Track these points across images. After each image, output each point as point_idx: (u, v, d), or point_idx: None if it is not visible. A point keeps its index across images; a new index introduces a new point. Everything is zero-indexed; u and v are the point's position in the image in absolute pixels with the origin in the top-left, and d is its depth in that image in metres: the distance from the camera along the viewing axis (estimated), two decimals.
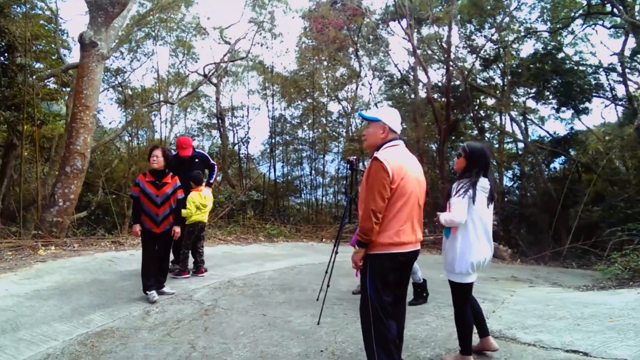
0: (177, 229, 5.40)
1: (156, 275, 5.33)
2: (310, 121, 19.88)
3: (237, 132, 19.48)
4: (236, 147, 18.93)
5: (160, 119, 17.99)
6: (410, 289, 5.23)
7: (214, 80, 17.73)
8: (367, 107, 20.03)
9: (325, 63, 19.30)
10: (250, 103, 23.85)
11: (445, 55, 15.66)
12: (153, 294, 5.18)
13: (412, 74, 17.20)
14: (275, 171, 17.91)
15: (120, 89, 18.34)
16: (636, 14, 12.65)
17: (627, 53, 15.15)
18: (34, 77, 10.14)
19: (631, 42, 15.06)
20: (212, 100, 20.11)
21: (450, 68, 16.05)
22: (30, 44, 9.54)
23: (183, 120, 22.01)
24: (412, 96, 17.15)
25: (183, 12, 17.50)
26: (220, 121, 17.96)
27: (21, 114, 9.41)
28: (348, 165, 5.13)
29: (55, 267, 6.51)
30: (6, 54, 9.49)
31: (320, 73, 18.88)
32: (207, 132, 21.45)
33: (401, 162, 2.97)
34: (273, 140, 18.86)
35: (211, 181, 6.74)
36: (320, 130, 19.61)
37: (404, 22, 16.15)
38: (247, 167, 19.13)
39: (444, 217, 3.42)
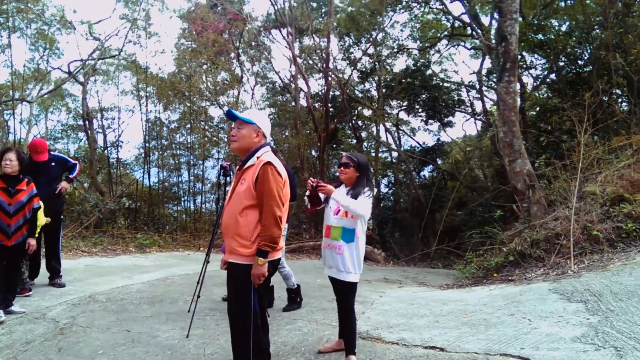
0: (33, 242, 4.83)
1: (3, 292, 4.68)
2: (189, 125, 19.16)
3: (107, 135, 18.11)
4: (106, 151, 17.56)
5: (16, 119, 16.14)
6: (284, 295, 5.25)
7: (81, 78, 16.29)
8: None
9: (205, 66, 18.78)
10: (123, 104, 22.37)
11: (325, 66, 16.09)
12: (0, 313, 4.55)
13: (293, 82, 17.41)
14: (150, 177, 16.91)
15: None
16: (491, 37, 14.08)
17: (484, 72, 16.84)
18: None
19: (487, 63, 16.81)
20: (78, 100, 18.46)
21: (329, 78, 16.55)
22: None
23: (44, 121, 20.02)
24: (293, 104, 17.35)
25: (44, 3, 15.89)
26: (87, 123, 16.52)
27: None
28: (222, 171, 4.96)
29: None
30: None
31: (200, 76, 18.30)
32: (73, 135, 19.62)
33: (283, 170, 2.97)
34: (148, 145, 17.83)
35: (71, 177, 6.14)
36: (200, 135, 19.01)
37: (285, 31, 16.32)
38: (118, 172, 17.85)
39: (349, 203, 3.46)
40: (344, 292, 3.63)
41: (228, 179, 4.88)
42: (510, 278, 6.31)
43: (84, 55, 16.60)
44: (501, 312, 4.61)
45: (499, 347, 3.62)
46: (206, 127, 19.53)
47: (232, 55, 18.32)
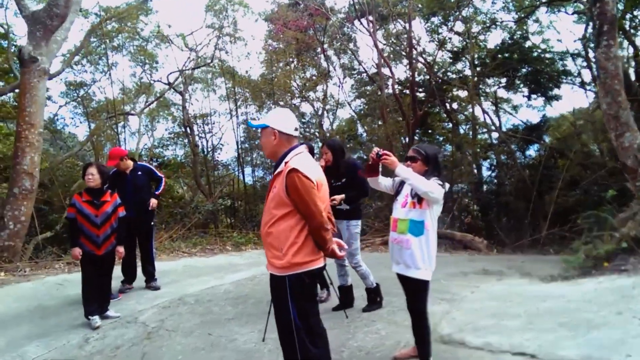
0: (121, 249, 5.15)
1: (98, 299, 5.05)
2: None
3: (208, 140, 19.13)
4: (208, 155, 18.55)
5: (127, 130, 17.65)
6: (363, 294, 5.06)
7: (180, 88, 17.37)
8: (340, 105, 19.94)
9: (293, 64, 19.08)
10: (222, 109, 23.41)
11: (408, 50, 15.48)
12: (96, 319, 4.90)
13: (378, 70, 17.02)
14: (244, 176, 17.62)
15: (83, 102, 18.01)
16: None
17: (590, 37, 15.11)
18: None
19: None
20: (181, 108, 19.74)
21: (414, 63, 15.91)
22: None
23: (154, 131, 21.63)
24: (379, 93, 16.97)
25: (143, 21, 17.14)
26: (188, 129, 17.59)
27: None
28: None
29: (0, 295, 6.19)
30: None
31: (289, 75, 18.63)
32: (181, 141, 21.04)
33: (315, 171, 2.80)
34: (246, 145, 18.58)
35: (157, 192, 6.46)
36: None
37: (366, 20, 15.99)
38: (217, 174, 18.80)
39: (414, 177, 3.23)
40: (414, 292, 3.38)
41: None
42: (622, 268, 5.53)
43: (180, 66, 17.62)
44: (607, 311, 4.03)
45: (600, 354, 3.16)
46: (299, 125, 19.89)
47: (318, 50, 18.38)
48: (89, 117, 17.74)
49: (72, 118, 21.20)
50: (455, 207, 16.24)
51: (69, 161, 15.15)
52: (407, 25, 16.45)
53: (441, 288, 5.81)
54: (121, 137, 18.27)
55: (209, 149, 18.92)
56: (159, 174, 6.53)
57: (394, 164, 3.28)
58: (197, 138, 18.48)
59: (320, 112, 19.42)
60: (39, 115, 8.30)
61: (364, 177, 3.61)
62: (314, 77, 19.16)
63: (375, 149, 3.40)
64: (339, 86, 19.31)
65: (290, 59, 18.47)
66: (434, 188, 3.21)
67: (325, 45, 18.07)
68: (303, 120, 20.40)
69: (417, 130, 16.83)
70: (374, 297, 4.97)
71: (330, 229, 2.73)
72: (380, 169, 3.52)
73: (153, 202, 6.25)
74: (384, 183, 3.60)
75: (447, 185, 3.40)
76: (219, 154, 19.01)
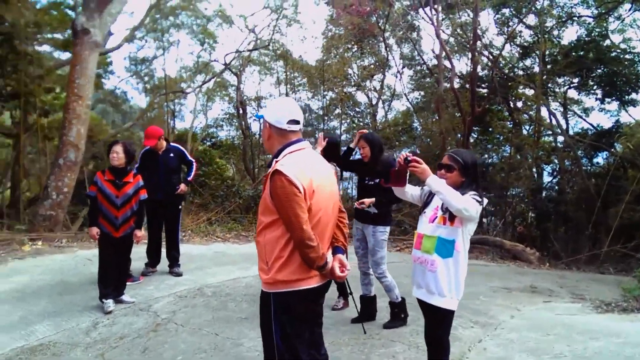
0: (139, 233, 4.99)
1: (115, 282, 4.93)
2: (337, 111, 19.24)
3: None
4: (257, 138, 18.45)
5: (185, 108, 17.88)
6: (386, 308, 4.62)
7: (236, 69, 17.33)
8: (397, 97, 19.28)
9: (352, 52, 18.56)
10: (277, 93, 23.21)
11: (472, 41, 14.56)
12: (109, 303, 4.79)
13: (438, 62, 16.21)
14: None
15: (144, 78, 18.44)
16: None
17: None
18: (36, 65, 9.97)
19: None
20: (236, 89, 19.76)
21: (477, 55, 14.95)
22: (27, 31, 9.34)
23: (211, 110, 21.94)
24: (437, 86, 16.16)
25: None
26: (241, 111, 17.55)
27: (21, 103, 9.28)
28: None
29: (30, 265, 6.28)
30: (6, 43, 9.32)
31: (347, 62, 18.15)
32: (234, 123, 21.15)
33: (308, 174, 2.37)
34: None
35: (189, 178, 6.28)
36: (348, 120, 19.00)
37: (430, 8, 15.18)
38: (265, 158, 18.69)
39: (448, 190, 2.76)
40: (435, 322, 2.94)
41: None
42: None
43: (238, 47, 17.57)
44: None
45: None
46: (353, 114, 19.45)
47: (379, 38, 17.76)
48: (149, 92, 18.12)
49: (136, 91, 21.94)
50: (509, 213, 15.32)
51: (127, 133, 15.52)
52: (473, 15, 15.52)
53: (478, 307, 5.29)
54: (177, 115, 18.75)
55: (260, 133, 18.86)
56: (190, 158, 6.35)
57: (425, 172, 2.80)
58: (249, 121, 18.47)
59: (374, 102, 18.84)
60: (87, 88, 8.37)
61: (388, 186, 3.11)
62: (371, 66, 18.58)
63: (404, 154, 2.93)
64: (397, 76, 18.63)
65: (349, 45, 17.94)
66: (470, 205, 2.75)
67: (387, 34, 17.42)
68: (357, 109, 19.92)
69: (475, 128, 15.95)
70: (398, 313, 4.53)
71: (318, 246, 2.32)
72: (407, 177, 3.02)
73: (182, 187, 6.07)
74: (410, 192, 3.15)
75: (485, 201, 2.92)
76: None
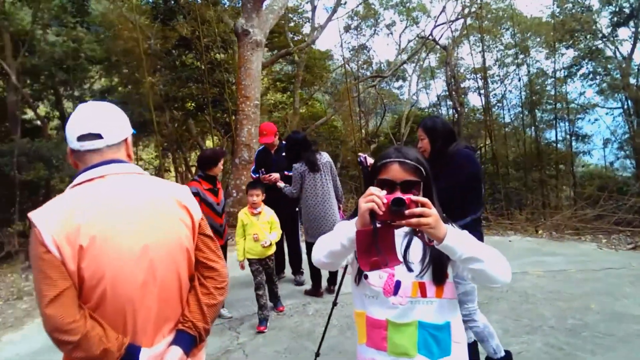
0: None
1: None
2: (584, 70, 15.87)
3: (484, 98, 16.86)
4: (486, 114, 16.42)
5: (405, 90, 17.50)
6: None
7: (445, 42, 15.85)
8: None
9: None
10: (501, 61, 20.03)
11: None
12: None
13: None
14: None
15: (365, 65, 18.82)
16: None
17: None
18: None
19: None
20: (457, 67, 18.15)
21: None
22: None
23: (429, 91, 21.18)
24: None
25: None
26: (453, 88, 15.95)
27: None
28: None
29: None
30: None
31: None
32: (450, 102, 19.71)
33: (82, 218, 1.41)
34: (530, 100, 15.75)
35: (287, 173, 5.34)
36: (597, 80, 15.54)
37: None
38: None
39: (496, 257, 1.47)
40: None
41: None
42: None
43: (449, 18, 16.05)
44: None
45: None
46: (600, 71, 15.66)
47: None
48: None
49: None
50: None
51: None
52: None
53: None
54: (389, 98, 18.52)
55: (484, 107, 16.77)
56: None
57: (438, 226, 1.35)
58: (467, 96, 16.79)
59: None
60: (254, 88, 8.56)
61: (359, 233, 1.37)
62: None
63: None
64: None
65: None
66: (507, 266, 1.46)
67: None
68: (609, 65, 15.84)
69: None
70: None
71: (92, 338, 1.34)
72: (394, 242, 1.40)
73: (276, 175, 5.30)
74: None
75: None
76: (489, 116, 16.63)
